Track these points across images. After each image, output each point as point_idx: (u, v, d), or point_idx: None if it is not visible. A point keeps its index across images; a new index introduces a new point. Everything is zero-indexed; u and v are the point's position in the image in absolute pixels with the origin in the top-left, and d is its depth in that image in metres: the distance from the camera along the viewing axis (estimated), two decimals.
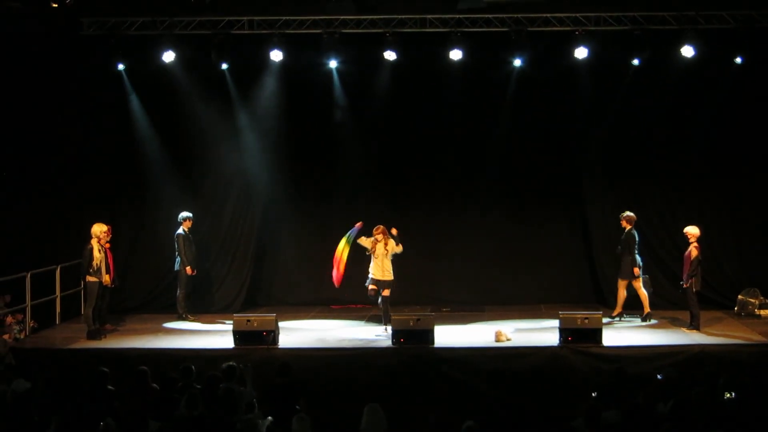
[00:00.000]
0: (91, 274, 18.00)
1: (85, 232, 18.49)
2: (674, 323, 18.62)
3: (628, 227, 19.03)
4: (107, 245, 18.44)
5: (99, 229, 18.17)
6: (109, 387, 13.14)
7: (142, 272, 21.16)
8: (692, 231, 18.09)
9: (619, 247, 19.07)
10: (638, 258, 18.94)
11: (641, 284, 19.01)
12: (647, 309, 18.98)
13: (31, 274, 18.76)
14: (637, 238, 18.97)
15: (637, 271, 18.85)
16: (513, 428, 11.82)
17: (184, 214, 19.78)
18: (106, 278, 18.36)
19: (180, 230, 19.68)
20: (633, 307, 19.17)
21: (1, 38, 19.52)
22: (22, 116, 20.23)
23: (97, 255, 18.02)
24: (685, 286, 18.00)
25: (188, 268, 19.59)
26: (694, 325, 17.93)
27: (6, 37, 19.60)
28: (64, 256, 19.82)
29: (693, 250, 17.95)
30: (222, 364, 13.79)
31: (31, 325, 18.57)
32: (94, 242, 18.06)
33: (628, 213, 19.16)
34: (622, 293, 19.15)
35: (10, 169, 20.52)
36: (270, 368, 15.62)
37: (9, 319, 18.07)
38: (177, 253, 19.67)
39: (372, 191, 21.37)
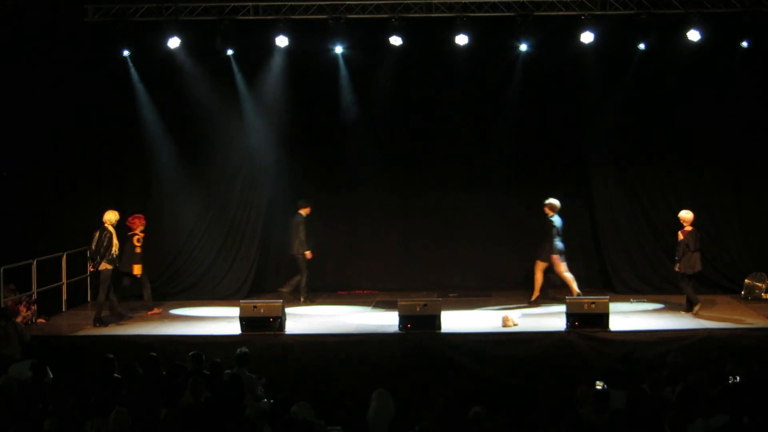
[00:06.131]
0: (108, 262, 18.01)
1: (89, 219, 18.53)
2: (680, 308, 18.59)
3: (551, 214, 19.16)
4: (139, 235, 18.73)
5: (115, 216, 18.21)
6: (116, 375, 13.19)
7: (148, 260, 21.09)
8: (686, 216, 18.19)
9: (542, 231, 19.26)
10: (559, 244, 19.08)
11: (564, 269, 19.15)
12: (576, 291, 19.05)
13: (36, 262, 18.81)
14: (557, 225, 19.08)
15: (555, 258, 19.01)
16: (520, 414, 11.82)
17: (304, 201, 20.03)
18: (138, 268, 18.63)
19: (299, 215, 19.87)
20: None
21: (5, 25, 19.52)
22: (26, 104, 20.22)
23: (116, 242, 18.07)
24: (676, 269, 18.17)
25: (308, 252, 19.80)
26: (687, 308, 18.11)
27: (10, 24, 19.59)
28: (69, 243, 19.89)
29: (679, 234, 18.06)
30: (235, 350, 13.96)
31: (40, 321, 18.60)
32: (112, 229, 18.09)
33: (551, 200, 19.23)
34: (539, 277, 19.36)
35: (15, 155, 20.52)
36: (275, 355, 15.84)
37: (23, 310, 18.11)
38: (294, 237, 19.85)
39: (378, 176, 21.32)
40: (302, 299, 19.96)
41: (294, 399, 11.73)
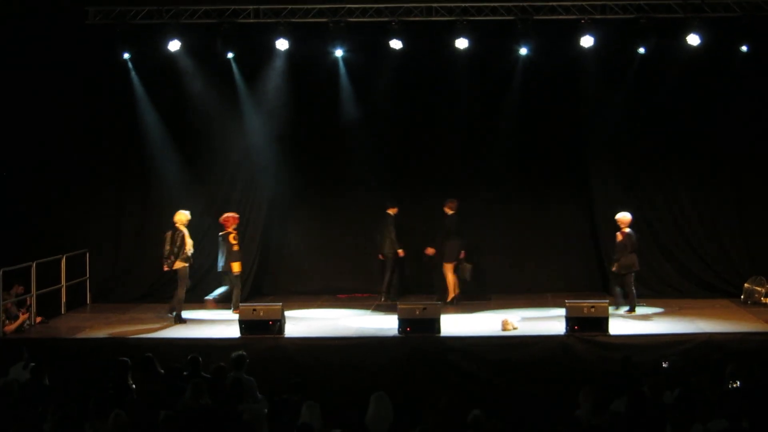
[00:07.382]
0: (183, 260, 18.16)
1: (89, 221, 18.46)
2: (680, 311, 18.57)
3: (451, 212, 19.73)
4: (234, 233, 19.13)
5: (185, 217, 18.43)
6: (131, 383, 13.19)
7: (147, 262, 21.07)
8: (623, 218, 18.72)
9: (441, 232, 19.71)
10: (459, 241, 19.72)
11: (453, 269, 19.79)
12: (452, 294, 19.72)
13: (35, 264, 18.78)
14: (456, 223, 19.64)
15: (464, 254, 19.68)
16: (519, 417, 11.83)
17: (390, 201, 20.31)
18: (238, 266, 19.09)
19: (388, 215, 20.18)
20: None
21: (6, 27, 19.52)
22: (26, 106, 20.23)
23: (189, 241, 18.24)
24: (613, 269, 18.65)
25: (400, 251, 20.17)
26: (615, 303, 18.68)
27: (11, 26, 19.60)
28: (69, 246, 19.91)
29: (618, 235, 18.50)
30: (230, 354, 13.90)
31: (38, 321, 18.57)
32: (184, 229, 18.27)
33: (451, 200, 19.77)
34: (450, 277, 19.83)
35: (15, 157, 20.52)
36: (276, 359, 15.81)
37: (23, 315, 18.12)
38: (386, 237, 20.13)
39: (378, 179, 21.33)
40: (383, 299, 20.20)
41: (294, 401, 11.73)
